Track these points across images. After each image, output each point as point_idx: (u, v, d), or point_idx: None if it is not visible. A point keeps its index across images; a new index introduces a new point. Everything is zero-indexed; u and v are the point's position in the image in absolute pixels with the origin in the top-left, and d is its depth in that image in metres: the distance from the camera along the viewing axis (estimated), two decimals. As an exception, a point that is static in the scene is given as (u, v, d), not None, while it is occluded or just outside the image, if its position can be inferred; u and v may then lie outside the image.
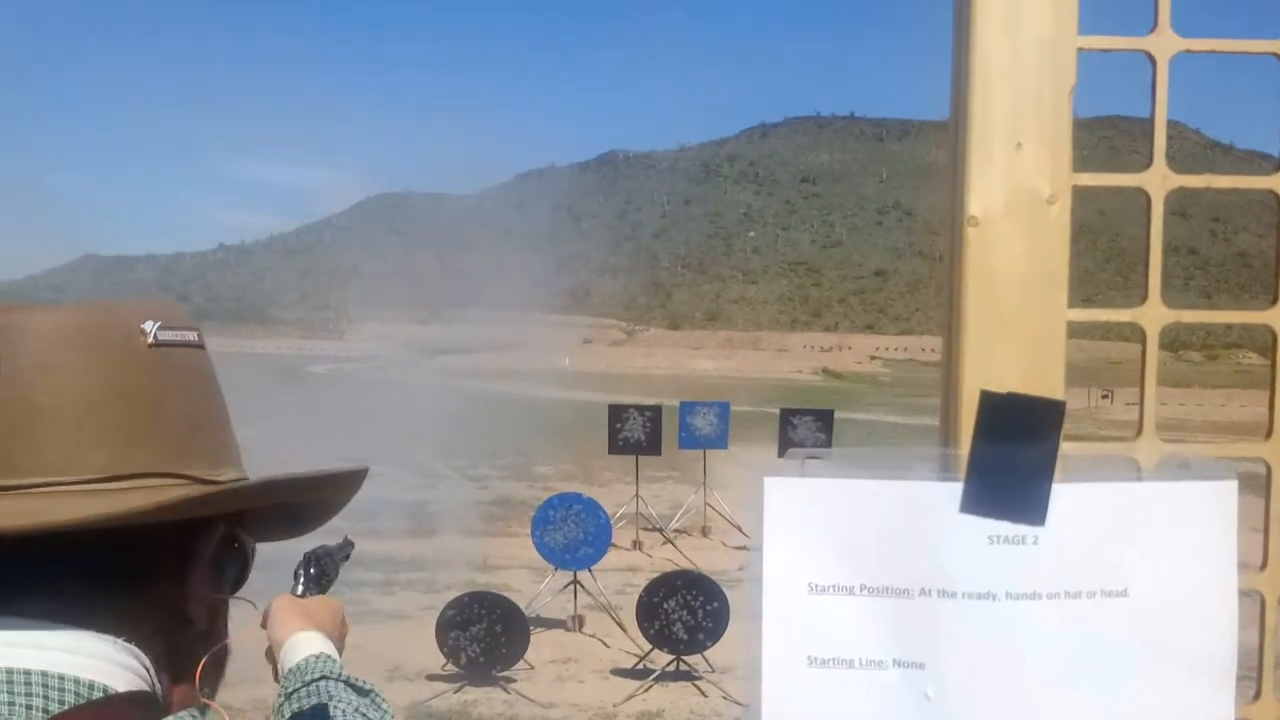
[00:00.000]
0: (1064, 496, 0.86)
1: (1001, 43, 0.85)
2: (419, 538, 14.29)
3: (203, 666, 0.89)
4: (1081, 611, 0.86)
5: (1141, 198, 0.93)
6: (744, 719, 0.89)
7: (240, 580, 0.99)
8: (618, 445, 13.86)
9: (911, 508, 0.86)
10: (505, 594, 8.65)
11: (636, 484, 14.28)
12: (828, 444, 13.78)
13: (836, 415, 14.94)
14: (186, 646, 0.89)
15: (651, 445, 13.80)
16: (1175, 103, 0.94)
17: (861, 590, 0.87)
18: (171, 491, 0.83)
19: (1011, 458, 0.85)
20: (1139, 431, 0.91)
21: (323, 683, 1.17)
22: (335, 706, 1.13)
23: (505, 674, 8.21)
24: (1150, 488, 0.88)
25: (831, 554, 0.87)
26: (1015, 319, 0.87)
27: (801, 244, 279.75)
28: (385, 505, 16.56)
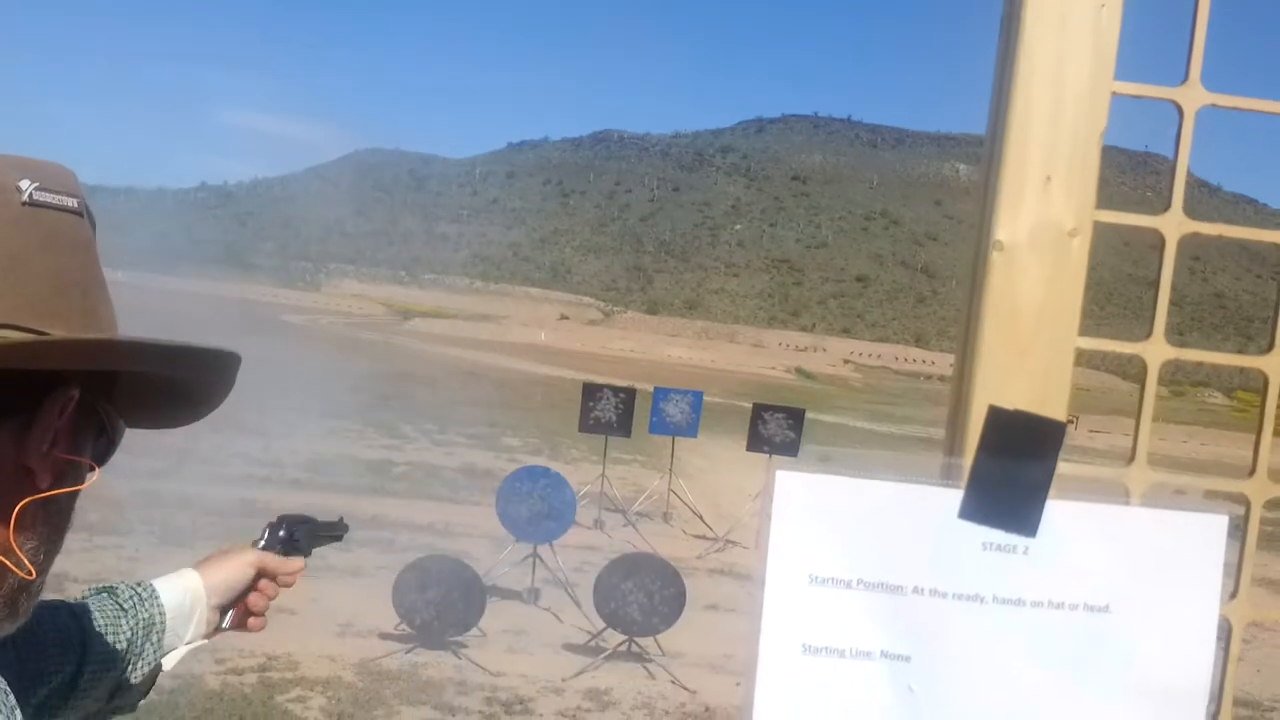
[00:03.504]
0: (1058, 512, 0.91)
1: (1043, 82, 0.90)
2: (381, 497, 14.28)
3: (22, 516, 0.88)
4: (1064, 622, 0.92)
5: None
6: (742, 701, 0.94)
7: (103, 453, 0.99)
8: (589, 424, 13.92)
9: (913, 510, 0.91)
10: (463, 560, 8.69)
11: (604, 464, 14.34)
12: (797, 442, 13.89)
13: (807, 415, 15.04)
14: (20, 499, 0.88)
15: (622, 427, 13.87)
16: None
17: (858, 584, 0.92)
18: (11, 339, 0.83)
19: (1011, 471, 0.90)
20: (1131, 459, 0.96)
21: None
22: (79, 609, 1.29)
23: (457, 639, 8.26)
24: (1143, 513, 0.93)
25: (834, 548, 0.91)
26: (1028, 341, 0.92)
27: (786, 242, 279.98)
28: (350, 461, 16.56)
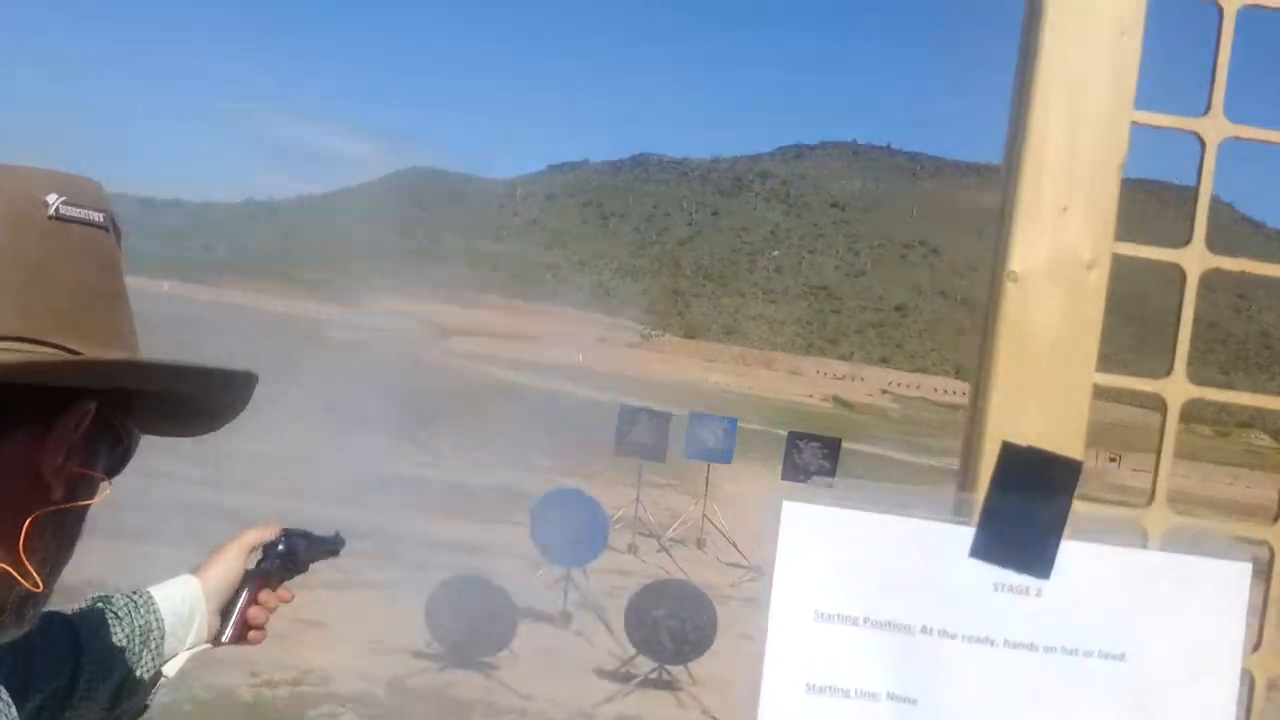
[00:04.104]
0: (1073, 554, 0.88)
1: (1060, 110, 0.88)
2: (415, 514, 14.32)
3: (33, 529, 0.88)
4: (1077, 669, 0.88)
5: (1168, 270, 0.95)
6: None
7: (118, 465, 0.99)
8: (624, 446, 13.89)
9: (923, 547, 0.89)
10: (496, 581, 8.67)
11: (638, 487, 14.29)
12: (832, 472, 13.77)
13: (843, 445, 14.92)
14: (31, 511, 0.88)
15: (657, 451, 13.83)
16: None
17: (865, 622, 0.89)
18: (38, 357, 0.83)
19: (1025, 509, 0.88)
20: (1150, 499, 0.93)
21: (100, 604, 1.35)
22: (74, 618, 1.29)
23: (488, 660, 8.23)
24: (1162, 557, 0.90)
25: (841, 583, 0.89)
26: (1043, 376, 0.89)
27: (825, 269, 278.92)
28: (385, 478, 16.62)
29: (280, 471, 15.50)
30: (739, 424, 15.57)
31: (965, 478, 0.92)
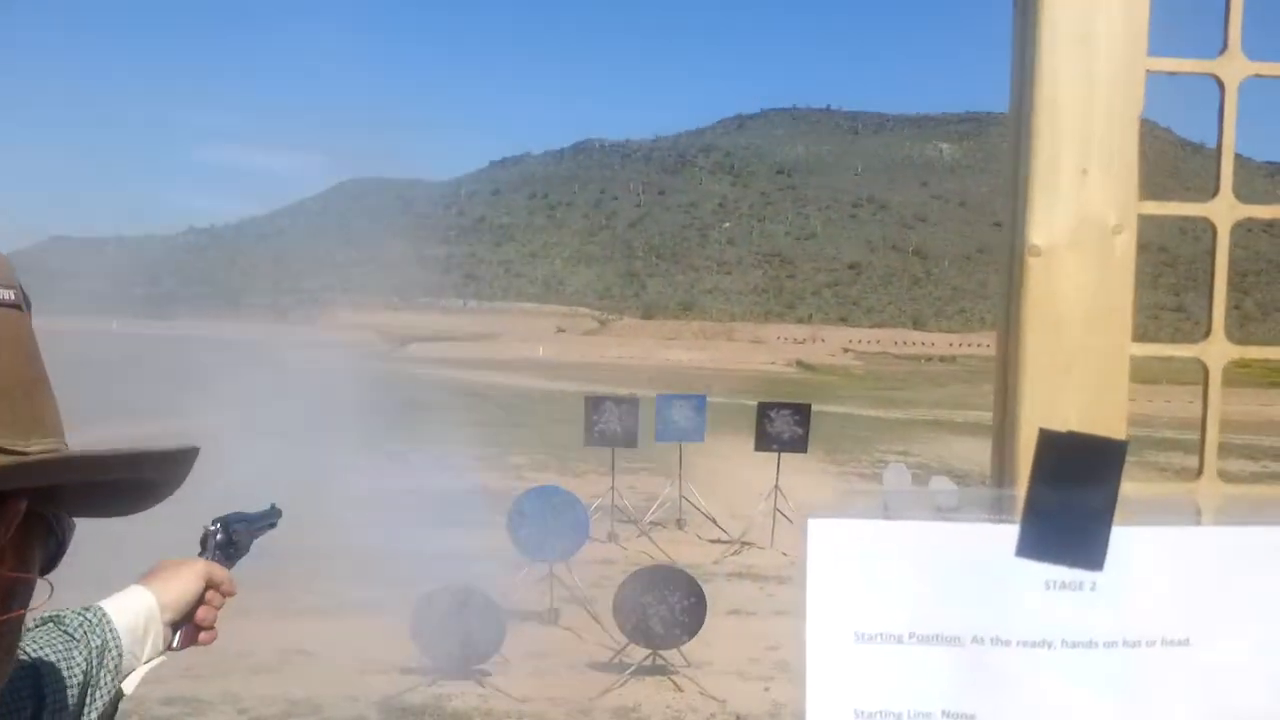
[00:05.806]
0: (1124, 540, 0.82)
1: (1070, 64, 0.80)
2: (390, 526, 14.17)
3: None
4: (1141, 661, 0.82)
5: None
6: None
7: (54, 560, 0.91)
8: (594, 437, 13.82)
9: (964, 551, 0.82)
10: (480, 586, 8.59)
11: (613, 476, 14.23)
12: (805, 438, 13.79)
13: (813, 409, 14.93)
14: None
15: (628, 437, 13.75)
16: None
17: (910, 638, 0.82)
18: None
19: (1070, 499, 0.81)
20: (1199, 472, 0.87)
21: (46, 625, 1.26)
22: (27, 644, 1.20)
23: (480, 667, 8.16)
24: (1218, 532, 0.84)
25: (879, 600, 0.82)
26: (1077, 354, 0.82)
27: (776, 236, 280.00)
28: (357, 495, 16.43)
29: (250, 501, 15.27)
30: (707, 400, 15.52)
31: (1000, 472, 0.86)
